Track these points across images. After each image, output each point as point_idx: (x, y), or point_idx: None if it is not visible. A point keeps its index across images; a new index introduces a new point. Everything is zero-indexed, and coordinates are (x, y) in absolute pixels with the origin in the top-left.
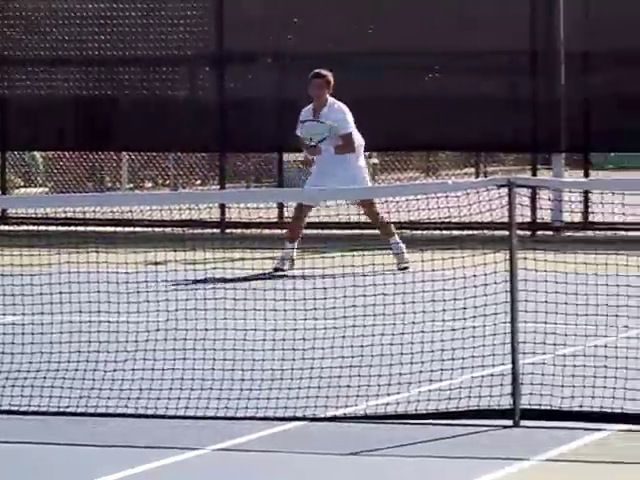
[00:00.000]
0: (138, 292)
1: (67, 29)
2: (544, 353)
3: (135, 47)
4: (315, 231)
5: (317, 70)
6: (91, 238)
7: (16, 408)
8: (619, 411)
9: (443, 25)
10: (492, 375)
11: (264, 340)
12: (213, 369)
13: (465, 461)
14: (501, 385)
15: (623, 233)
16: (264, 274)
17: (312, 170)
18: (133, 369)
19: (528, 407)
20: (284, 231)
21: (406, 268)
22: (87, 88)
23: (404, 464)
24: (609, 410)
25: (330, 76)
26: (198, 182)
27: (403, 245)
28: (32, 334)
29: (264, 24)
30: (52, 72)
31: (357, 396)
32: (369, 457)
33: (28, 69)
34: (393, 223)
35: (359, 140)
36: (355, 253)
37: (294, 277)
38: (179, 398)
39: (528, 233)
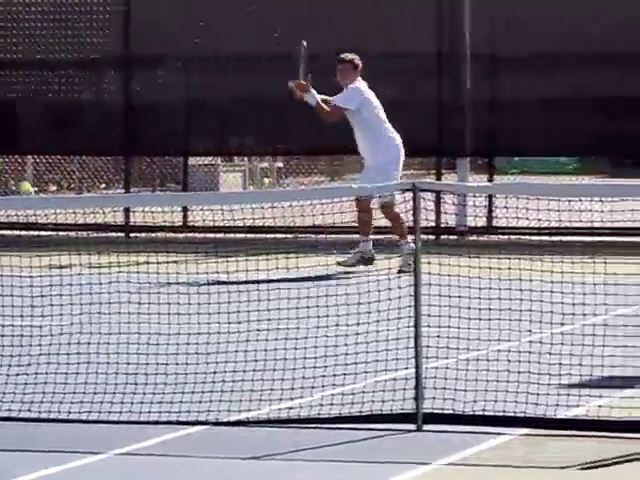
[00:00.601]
0: (42, 296)
1: None
2: (447, 357)
3: (40, 50)
4: (226, 235)
5: (342, 55)
6: None
7: None
8: (522, 415)
9: (349, 28)
10: (395, 379)
11: (168, 344)
12: (117, 373)
13: (368, 465)
14: (404, 389)
15: (527, 237)
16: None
17: None
18: (37, 373)
19: (431, 411)
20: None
21: (406, 272)
22: None
23: (307, 468)
24: (512, 414)
25: (356, 59)
26: (103, 186)
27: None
28: None
29: (171, 27)
30: None
31: (261, 400)
32: (272, 461)
33: None
34: (299, 227)
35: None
36: (260, 257)
37: (198, 282)
38: (82, 402)
39: (432, 237)
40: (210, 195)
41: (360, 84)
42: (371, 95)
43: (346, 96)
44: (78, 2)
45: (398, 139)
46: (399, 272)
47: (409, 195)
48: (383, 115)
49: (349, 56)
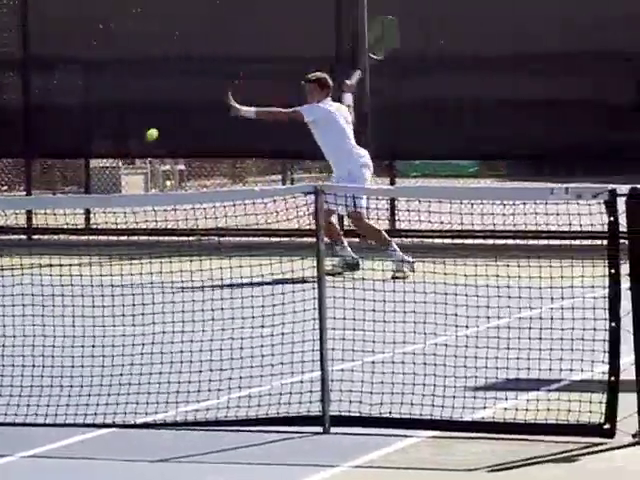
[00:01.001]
0: None
1: None
2: (353, 360)
3: None
4: (129, 238)
5: (309, 75)
6: None
7: None
8: (428, 418)
9: (251, 30)
10: (302, 382)
11: (72, 347)
12: (22, 376)
13: (275, 468)
14: (310, 392)
15: (430, 240)
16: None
17: None
18: None
19: (338, 414)
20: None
21: (399, 278)
22: None
23: (214, 470)
24: (418, 417)
25: (325, 78)
26: (4, 188)
27: (401, 254)
28: None
29: (70, 29)
30: None
31: (167, 402)
32: (179, 464)
33: None
34: (201, 230)
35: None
36: (164, 260)
37: (102, 284)
38: None
39: None
40: (113, 197)
41: (326, 102)
42: (337, 113)
43: (309, 107)
44: None
45: (363, 152)
46: (393, 278)
47: (311, 198)
48: (347, 132)
49: (315, 75)
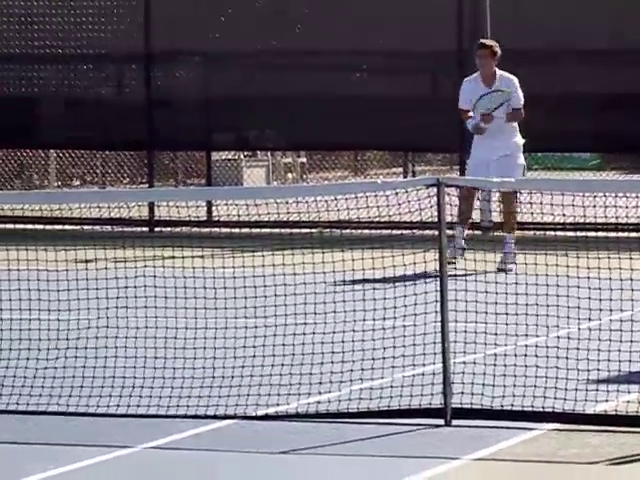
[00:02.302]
0: (69, 290)
1: None
2: (475, 353)
3: (60, 45)
4: (251, 230)
5: (482, 40)
6: (19, 236)
7: None
8: (550, 410)
9: (365, 25)
10: (423, 374)
11: (195, 339)
12: (144, 367)
13: (396, 460)
14: (432, 384)
15: (552, 233)
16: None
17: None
18: (64, 367)
19: (459, 406)
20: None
21: (505, 270)
22: (11, 85)
23: (335, 462)
24: (540, 409)
25: (496, 46)
26: (126, 180)
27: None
28: None
29: (191, 22)
30: None
31: (289, 394)
32: (300, 456)
33: None
34: (323, 223)
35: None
36: (285, 252)
37: (224, 276)
38: (110, 396)
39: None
40: (235, 190)
41: (506, 73)
42: None
43: (518, 95)
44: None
45: None
46: (499, 270)
47: (433, 190)
48: None
49: (488, 42)
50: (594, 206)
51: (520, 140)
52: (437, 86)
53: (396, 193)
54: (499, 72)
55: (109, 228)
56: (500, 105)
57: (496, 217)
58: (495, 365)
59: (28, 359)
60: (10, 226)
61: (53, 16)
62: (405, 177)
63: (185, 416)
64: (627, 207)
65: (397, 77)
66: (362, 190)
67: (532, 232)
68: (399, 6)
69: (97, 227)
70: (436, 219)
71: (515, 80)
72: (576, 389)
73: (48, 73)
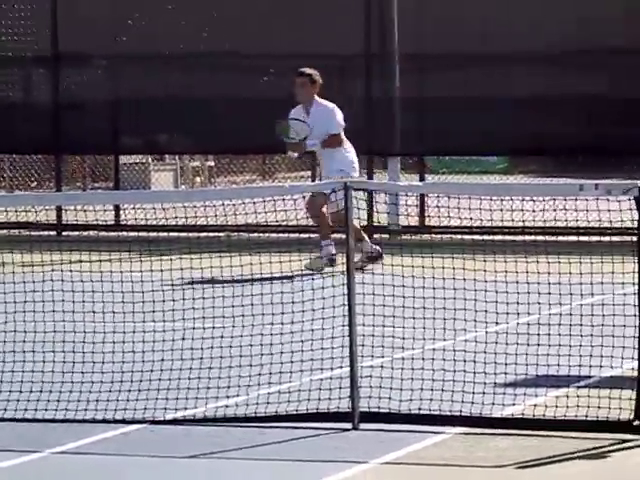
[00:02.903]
0: None
1: None
2: (383, 356)
3: None
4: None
5: (301, 69)
6: None
7: None
8: (457, 414)
9: (280, 28)
10: (331, 378)
11: (104, 342)
12: (52, 371)
13: (304, 464)
14: (340, 388)
15: (459, 237)
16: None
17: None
18: None
19: (367, 410)
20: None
21: (313, 271)
22: None
23: (243, 466)
24: (448, 413)
25: (315, 75)
26: (34, 184)
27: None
28: None
29: (98, 25)
30: None
31: (197, 398)
32: (209, 460)
33: None
34: (232, 226)
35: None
36: (194, 256)
37: (132, 280)
38: (18, 400)
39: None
40: (142, 193)
41: (325, 102)
42: None
43: (331, 123)
44: None
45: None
46: (306, 269)
47: (340, 194)
48: None
49: (307, 70)
50: (501, 210)
51: (345, 159)
52: (344, 88)
53: (304, 197)
54: (319, 101)
55: (16, 232)
56: (305, 138)
57: (403, 221)
58: (403, 369)
59: None
60: None
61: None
62: (313, 181)
63: (94, 420)
64: (534, 211)
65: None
66: (270, 194)
67: (439, 236)
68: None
69: (4, 231)
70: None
71: (331, 108)
72: (483, 393)
73: None
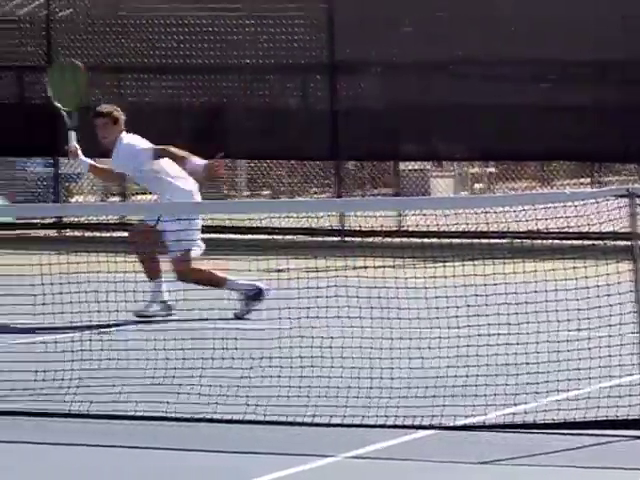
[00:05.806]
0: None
1: (177, 37)
2: None
3: (246, 55)
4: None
5: (98, 108)
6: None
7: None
8: None
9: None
10: (620, 385)
11: (391, 349)
12: (341, 377)
13: (593, 471)
14: (629, 395)
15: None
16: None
17: None
18: (261, 376)
19: None
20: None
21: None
22: (195, 95)
23: (531, 472)
24: None
25: (117, 111)
26: (313, 190)
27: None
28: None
29: (373, 33)
30: (164, 79)
31: (486, 405)
32: (499, 466)
33: (137, 76)
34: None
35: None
36: (477, 262)
37: (415, 286)
38: (307, 406)
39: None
40: (423, 200)
41: (128, 138)
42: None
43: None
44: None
45: None
46: (237, 318)
47: (623, 201)
48: None
49: (105, 109)
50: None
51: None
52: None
53: (585, 204)
54: (123, 137)
55: (300, 238)
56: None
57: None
58: None
59: (222, 368)
60: (206, 235)
61: (239, 27)
62: (592, 187)
63: (382, 426)
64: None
65: (588, 86)
66: (551, 200)
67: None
68: None
69: (289, 236)
70: (628, 229)
71: (133, 145)
72: None
73: (231, 84)
